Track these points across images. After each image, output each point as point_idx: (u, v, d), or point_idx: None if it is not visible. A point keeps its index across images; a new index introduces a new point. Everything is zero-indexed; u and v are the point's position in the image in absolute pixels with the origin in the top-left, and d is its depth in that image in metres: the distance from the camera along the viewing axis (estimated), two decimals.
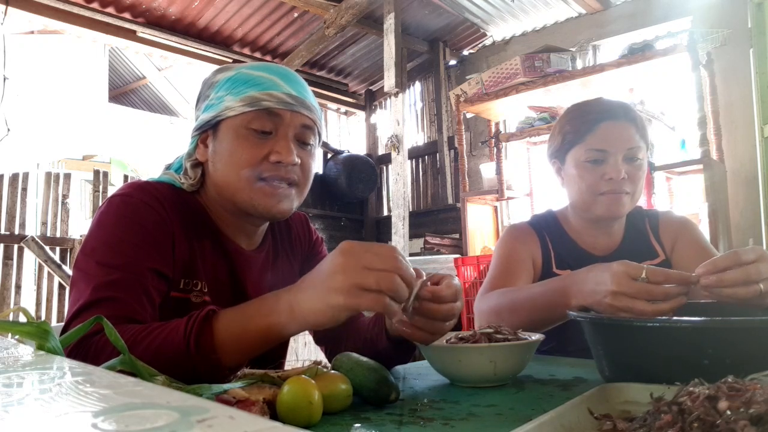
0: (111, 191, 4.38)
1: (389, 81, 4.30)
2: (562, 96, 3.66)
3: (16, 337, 0.54)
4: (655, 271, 0.82)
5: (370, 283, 0.68)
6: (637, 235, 1.36)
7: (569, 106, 1.38)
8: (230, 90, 0.95)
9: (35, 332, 0.51)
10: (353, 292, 0.68)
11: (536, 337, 0.89)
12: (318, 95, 5.46)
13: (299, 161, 0.96)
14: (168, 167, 1.07)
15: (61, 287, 4.33)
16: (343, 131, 6.84)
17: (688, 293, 0.82)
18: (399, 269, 0.70)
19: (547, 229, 1.38)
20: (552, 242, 1.36)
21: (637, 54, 3.22)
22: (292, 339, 0.90)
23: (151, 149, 9.26)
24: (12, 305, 4.05)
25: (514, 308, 1.11)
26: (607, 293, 0.85)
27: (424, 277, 0.80)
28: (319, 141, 1.03)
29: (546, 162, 1.43)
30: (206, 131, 0.98)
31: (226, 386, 0.66)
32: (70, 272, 4.09)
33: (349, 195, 5.74)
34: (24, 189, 4.28)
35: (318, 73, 5.90)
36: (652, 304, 0.81)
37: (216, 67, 1.15)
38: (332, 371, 0.76)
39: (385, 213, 6.16)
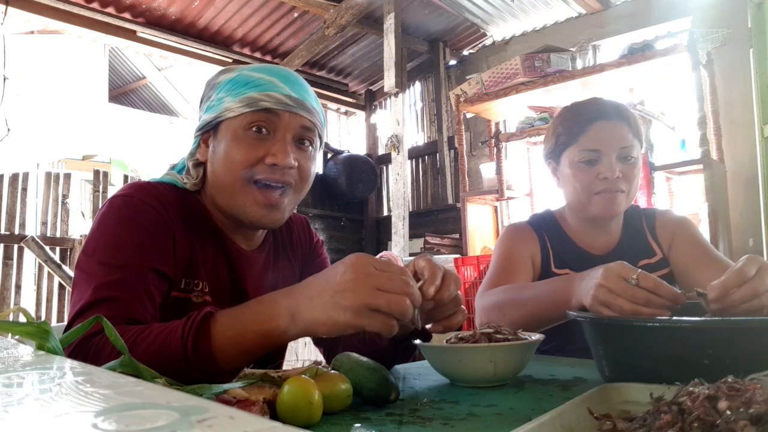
0: (111, 191, 4.38)
1: (389, 81, 4.30)
2: (562, 96, 3.66)
3: (16, 337, 0.54)
4: (647, 277, 0.84)
5: (380, 305, 0.68)
6: (634, 234, 1.36)
7: (562, 107, 1.38)
8: (230, 91, 0.95)
9: (35, 332, 0.51)
10: (363, 312, 0.68)
11: (536, 337, 0.89)
12: (318, 95, 5.41)
13: (296, 164, 0.94)
14: (172, 167, 1.08)
15: (61, 287, 4.33)
16: (343, 131, 6.84)
17: (677, 307, 0.82)
18: (410, 294, 0.69)
19: (545, 228, 1.38)
20: (551, 241, 1.36)
21: (637, 54, 3.22)
22: None
23: (151, 149, 9.26)
24: (12, 305, 4.05)
25: (518, 304, 1.12)
26: (594, 285, 0.87)
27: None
28: (321, 143, 1.02)
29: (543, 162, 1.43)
30: (207, 132, 0.99)
31: (226, 386, 0.66)
32: (70, 272, 4.10)
33: (349, 195, 5.73)
34: (24, 189, 4.28)
35: (318, 73, 5.90)
36: (632, 305, 0.82)
37: (216, 67, 1.15)
38: (332, 371, 0.76)
39: (385, 213, 6.16)
